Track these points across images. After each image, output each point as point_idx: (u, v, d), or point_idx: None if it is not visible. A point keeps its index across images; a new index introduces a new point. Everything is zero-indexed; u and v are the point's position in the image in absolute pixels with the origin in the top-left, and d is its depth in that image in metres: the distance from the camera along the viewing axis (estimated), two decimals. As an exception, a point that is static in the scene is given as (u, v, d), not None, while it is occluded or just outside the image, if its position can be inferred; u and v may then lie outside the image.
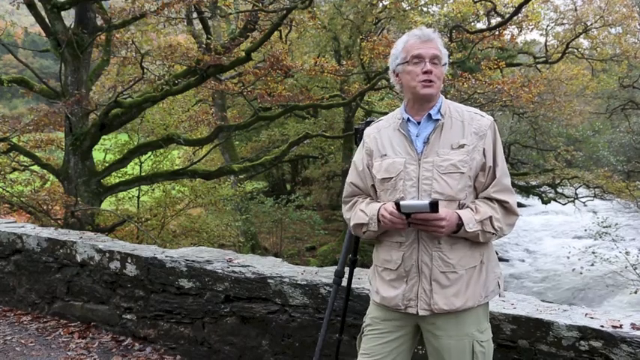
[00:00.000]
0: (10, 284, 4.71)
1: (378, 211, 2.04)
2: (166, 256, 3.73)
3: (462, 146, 2.02)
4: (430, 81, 2.03)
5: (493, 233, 2.01)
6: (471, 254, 2.03)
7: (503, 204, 2.04)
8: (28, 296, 4.59)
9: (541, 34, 18.93)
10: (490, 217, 2.00)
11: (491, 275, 2.09)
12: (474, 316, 2.05)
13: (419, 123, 2.09)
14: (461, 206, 2.02)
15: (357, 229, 2.17)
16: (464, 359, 2.03)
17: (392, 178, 2.06)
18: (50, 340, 4.00)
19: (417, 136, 2.08)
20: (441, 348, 2.06)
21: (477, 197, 2.07)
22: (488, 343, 2.08)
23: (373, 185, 2.16)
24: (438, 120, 2.06)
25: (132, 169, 13.85)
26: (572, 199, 18.06)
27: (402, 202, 1.92)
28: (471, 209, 2.01)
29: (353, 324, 2.91)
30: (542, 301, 2.72)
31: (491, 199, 2.04)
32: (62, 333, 4.09)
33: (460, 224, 1.96)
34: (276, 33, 12.03)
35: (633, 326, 2.29)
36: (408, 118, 2.11)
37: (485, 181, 2.05)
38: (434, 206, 1.86)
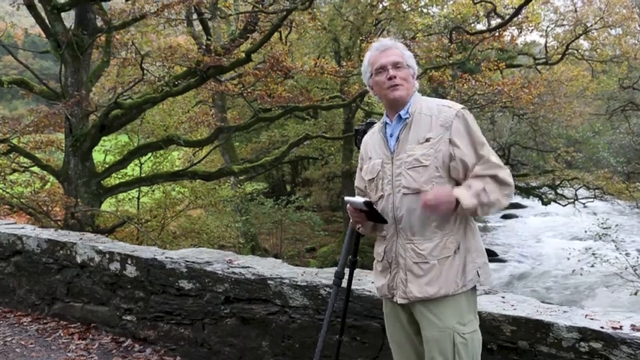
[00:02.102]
0: (10, 285, 4.71)
1: None
2: (166, 258, 3.73)
3: (427, 140, 2.14)
4: (396, 85, 2.19)
5: (490, 205, 2.11)
6: (444, 245, 2.14)
7: (493, 177, 2.12)
8: (28, 297, 4.58)
9: (541, 36, 18.93)
10: (484, 189, 2.08)
11: (469, 265, 2.17)
12: (454, 306, 2.13)
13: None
14: None
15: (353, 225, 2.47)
16: (445, 350, 2.11)
17: (374, 178, 2.27)
18: (50, 341, 4.00)
19: (390, 135, 2.26)
20: (425, 338, 2.17)
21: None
22: (472, 334, 2.15)
23: (366, 186, 2.36)
24: (406, 119, 2.21)
25: (132, 170, 13.84)
26: (572, 200, 18.03)
27: (345, 198, 2.27)
28: (466, 186, 2.10)
29: (353, 325, 2.92)
30: (542, 302, 2.72)
31: (481, 176, 2.12)
32: (62, 334, 4.09)
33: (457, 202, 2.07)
34: (276, 34, 12.03)
35: (633, 327, 2.28)
36: (386, 122, 2.30)
37: (460, 169, 2.13)
38: (368, 205, 2.16)
